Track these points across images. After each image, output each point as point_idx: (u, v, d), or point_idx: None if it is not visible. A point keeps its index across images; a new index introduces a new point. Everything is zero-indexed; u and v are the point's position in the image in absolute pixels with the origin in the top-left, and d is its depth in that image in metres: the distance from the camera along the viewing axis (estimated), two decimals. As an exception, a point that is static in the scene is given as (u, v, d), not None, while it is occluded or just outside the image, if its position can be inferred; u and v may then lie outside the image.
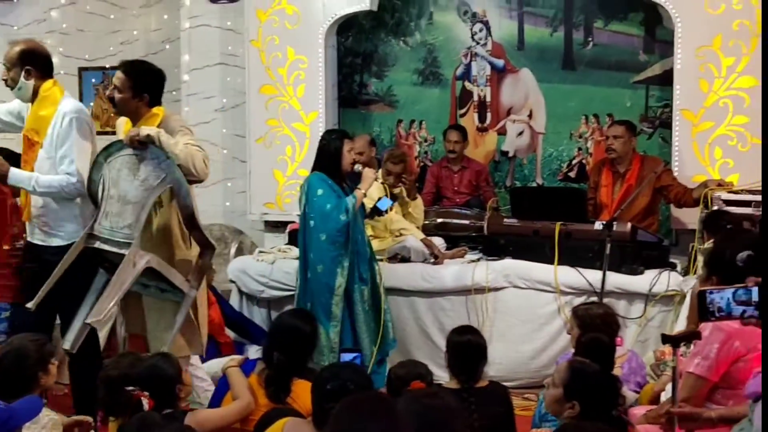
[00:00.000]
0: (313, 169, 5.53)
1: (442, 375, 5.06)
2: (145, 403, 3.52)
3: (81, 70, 8.68)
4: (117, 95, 4.67)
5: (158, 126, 4.55)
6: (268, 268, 6.20)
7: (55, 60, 8.55)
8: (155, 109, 4.70)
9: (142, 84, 4.66)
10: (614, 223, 5.56)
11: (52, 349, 3.87)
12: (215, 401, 4.06)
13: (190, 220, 4.56)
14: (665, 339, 3.51)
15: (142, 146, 4.38)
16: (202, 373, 5.12)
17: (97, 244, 4.44)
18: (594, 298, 5.52)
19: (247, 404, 3.77)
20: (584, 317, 4.45)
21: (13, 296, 5.02)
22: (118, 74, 4.69)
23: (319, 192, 5.33)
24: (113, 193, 4.43)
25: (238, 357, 4.11)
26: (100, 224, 4.44)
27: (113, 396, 3.59)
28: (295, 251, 6.40)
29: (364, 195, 5.35)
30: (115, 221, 4.40)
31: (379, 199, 5.66)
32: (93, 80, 8.68)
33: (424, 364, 4.09)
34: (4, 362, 3.67)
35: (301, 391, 3.75)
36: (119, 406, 3.57)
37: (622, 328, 4.77)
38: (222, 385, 4.08)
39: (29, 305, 4.49)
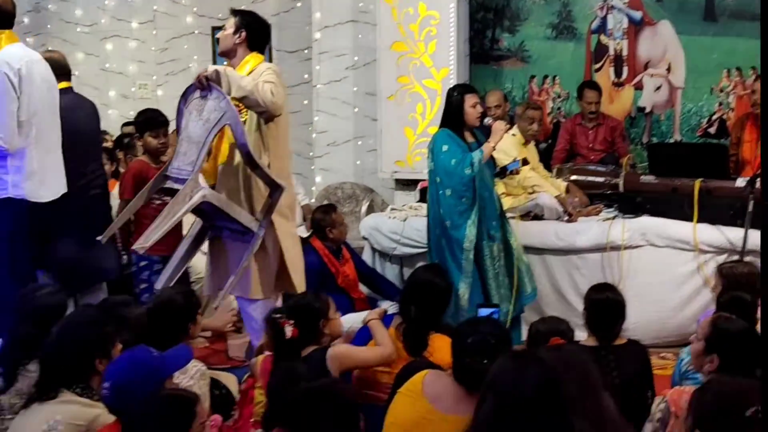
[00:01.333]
0: (440, 125, 5.50)
1: (578, 334, 5.01)
2: (288, 331, 3.67)
3: (214, 29, 8.85)
4: (221, 34, 4.87)
5: (249, 73, 4.67)
6: (400, 226, 6.23)
7: (188, 19, 8.88)
8: (253, 54, 4.82)
9: (245, 23, 4.82)
10: (757, 179, 5.34)
11: (199, 300, 4.01)
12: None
13: (248, 159, 4.55)
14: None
15: (209, 84, 4.46)
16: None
17: (168, 183, 4.59)
18: (735, 257, 5.34)
19: (390, 353, 3.80)
20: (729, 275, 4.35)
21: (165, 249, 5.16)
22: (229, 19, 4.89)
23: (444, 148, 5.29)
24: (184, 135, 4.56)
25: (378, 310, 4.15)
26: (172, 165, 4.59)
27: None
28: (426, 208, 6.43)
29: (493, 149, 5.26)
30: (182, 160, 4.51)
31: (513, 160, 5.61)
32: (227, 40, 8.82)
33: (566, 321, 4.04)
34: (155, 314, 3.81)
35: (438, 345, 3.79)
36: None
37: (766, 288, 4.59)
38: (359, 339, 4.14)
39: (100, 238, 4.70)
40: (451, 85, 6.88)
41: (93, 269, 5.35)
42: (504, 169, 5.56)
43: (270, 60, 8.56)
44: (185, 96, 4.63)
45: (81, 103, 5.61)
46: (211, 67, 4.51)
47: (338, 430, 2.73)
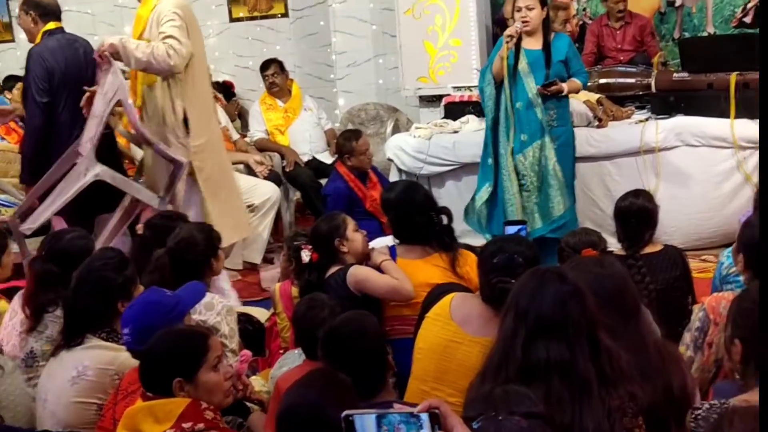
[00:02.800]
0: None
1: (614, 242, 4.85)
2: (305, 255, 3.73)
3: (226, -44, 8.66)
4: None
5: (154, 8, 4.73)
6: (425, 144, 6.07)
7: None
8: None
9: None
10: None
11: (219, 235, 3.96)
12: None
13: (142, 137, 4.71)
14: None
15: (108, 59, 4.56)
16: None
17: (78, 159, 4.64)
18: (777, 152, 5.13)
19: (408, 290, 3.59)
20: None
21: None
22: None
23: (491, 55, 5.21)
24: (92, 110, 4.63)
25: (382, 248, 3.97)
26: (81, 139, 4.66)
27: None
28: (452, 125, 6.26)
29: (501, 58, 4.92)
30: (85, 135, 4.59)
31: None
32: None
33: (596, 231, 3.91)
34: (177, 252, 3.76)
35: (467, 263, 3.66)
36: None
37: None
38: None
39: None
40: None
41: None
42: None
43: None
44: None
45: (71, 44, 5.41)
46: (108, 40, 4.54)
47: (367, 364, 2.69)
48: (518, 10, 4.94)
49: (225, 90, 8.08)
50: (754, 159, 5.35)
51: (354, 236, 3.83)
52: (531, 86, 5.01)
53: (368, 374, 2.67)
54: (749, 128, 5.35)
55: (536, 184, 5.09)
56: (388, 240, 4.88)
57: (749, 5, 6.78)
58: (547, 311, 2.24)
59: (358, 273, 3.66)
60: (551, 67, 5.00)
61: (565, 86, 5.00)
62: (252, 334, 4.20)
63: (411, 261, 3.75)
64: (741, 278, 3.29)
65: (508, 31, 4.93)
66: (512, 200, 5.10)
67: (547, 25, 5.05)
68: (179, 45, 4.66)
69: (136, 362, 2.90)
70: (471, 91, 6.37)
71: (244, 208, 5.53)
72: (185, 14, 4.80)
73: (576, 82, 5.06)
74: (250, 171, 6.38)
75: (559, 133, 5.12)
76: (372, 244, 5.38)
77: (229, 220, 4.99)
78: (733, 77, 5.43)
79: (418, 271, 3.69)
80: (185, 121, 4.87)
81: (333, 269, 3.74)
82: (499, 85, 5.03)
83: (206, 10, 8.75)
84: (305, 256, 3.72)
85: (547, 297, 2.26)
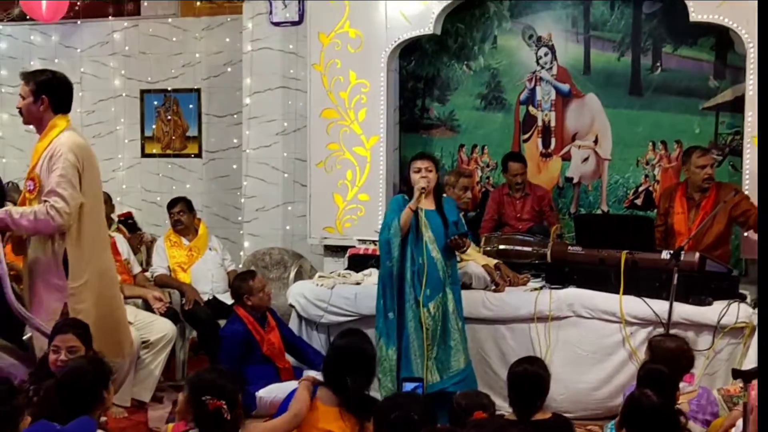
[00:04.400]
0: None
1: (503, 405, 4.95)
2: (225, 412, 3.47)
3: (143, 92, 8.79)
4: (20, 103, 4.78)
5: (53, 139, 4.67)
6: (327, 293, 6.13)
7: (116, 82, 8.80)
8: (58, 119, 4.76)
9: (42, 87, 4.72)
10: (682, 252, 5.41)
11: (110, 367, 3.89)
12: None
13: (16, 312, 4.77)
14: (736, 374, 3.42)
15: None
16: None
17: None
18: (660, 329, 5.37)
19: (293, 415, 3.78)
20: (656, 348, 4.41)
21: None
22: (22, 86, 4.78)
23: (387, 211, 5.37)
24: None
25: (316, 374, 4.07)
26: None
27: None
28: (355, 276, 6.37)
29: (411, 210, 5.19)
30: None
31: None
32: (155, 102, 8.77)
33: (486, 394, 3.99)
34: (66, 383, 3.67)
35: None
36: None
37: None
38: (288, 403, 4.05)
39: None
40: (383, 153, 7.07)
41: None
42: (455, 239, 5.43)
43: (199, 125, 8.54)
44: None
45: None
46: None
47: None
48: (417, 171, 5.26)
49: (125, 222, 8.03)
50: (640, 335, 5.56)
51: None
52: (431, 242, 5.23)
53: None
54: (637, 305, 5.57)
55: (438, 337, 5.21)
56: (284, 387, 4.90)
57: (640, 188, 7.20)
58: None
59: (256, 429, 3.74)
60: (448, 226, 5.26)
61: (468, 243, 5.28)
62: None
63: (328, 407, 3.87)
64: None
65: (422, 184, 5.19)
66: (418, 354, 5.18)
67: (439, 188, 5.42)
68: (62, 203, 4.58)
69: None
70: (375, 245, 6.52)
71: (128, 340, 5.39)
72: (79, 155, 4.70)
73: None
74: (147, 306, 6.31)
75: (454, 291, 5.35)
76: (268, 389, 5.42)
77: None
78: (624, 255, 5.66)
79: (330, 418, 3.80)
80: (65, 261, 4.74)
81: None
82: (402, 240, 5.21)
83: (119, 144, 8.84)
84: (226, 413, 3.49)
85: None
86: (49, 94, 4.73)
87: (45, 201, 4.61)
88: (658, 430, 3.22)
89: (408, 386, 4.14)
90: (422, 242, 5.24)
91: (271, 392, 5.38)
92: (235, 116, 8.30)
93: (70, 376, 3.70)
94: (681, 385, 4.28)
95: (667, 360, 4.28)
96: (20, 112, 4.82)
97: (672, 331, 5.17)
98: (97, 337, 4.62)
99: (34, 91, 4.70)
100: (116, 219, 7.45)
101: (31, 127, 4.94)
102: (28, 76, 4.76)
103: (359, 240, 7.01)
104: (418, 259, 5.22)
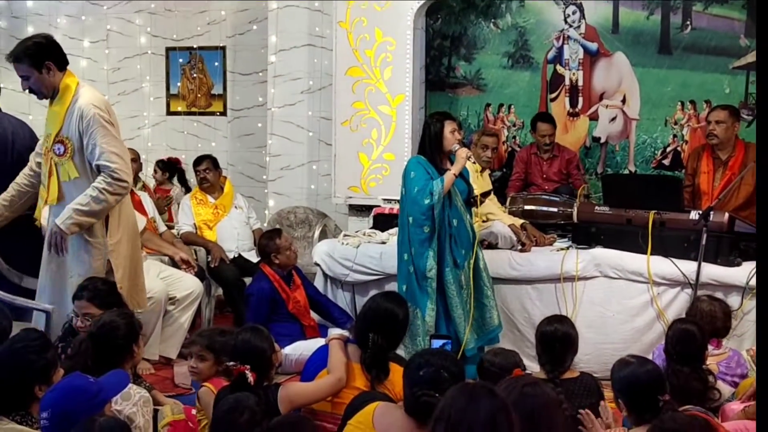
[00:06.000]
0: (418, 152, 5.45)
1: (529, 365, 4.96)
2: (250, 377, 3.57)
3: (168, 50, 8.76)
4: (29, 84, 4.68)
5: (71, 99, 4.64)
6: (352, 252, 6.13)
7: (142, 40, 8.78)
8: (66, 77, 4.70)
9: (40, 56, 4.64)
10: (711, 212, 5.35)
11: (140, 322, 3.97)
12: (307, 376, 4.07)
13: None
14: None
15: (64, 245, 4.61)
16: None
17: None
18: (689, 290, 5.34)
19: (338, 379, 3.80)
20: (691, 308, 4.49)
21: None
22: (16, 67, 4.68)
23: (412, 175, 5.24)
24: None
25: (342, 332, 4.13)
26: None
27: None
28: (380, 236, 6.36)
29: (455, 176, 5.20)
30: None
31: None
32: (180, 60, 8.75)
33: (515, 352, 4.00)
34: (98, 337, 3.76)
35: (394, 375, 3.79)
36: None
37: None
38: (314, 361, 4.11)
39: None
40: (408, 112, 7.00)
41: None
42: (474, 198, 5.42)
43: (224, 83, 8.52)
44: None
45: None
46: (58, 228, 4.56)
47: None
48: (453, 133, 5.24)
49: (170, 167, 8.05)
50: (667, 295, 5.54)
51: (276, 348, 3.89)
52: (461, 203, 5.23)
53: None
54: (664, 265, 5.54)
55: (473, 296, 5.26)
56: (310, 344, 4.92)
57: (668, 149, 7.13)
58: (478, 424, 2.28)
59: (293, 389, 3.73)
60: (469, 185, 5.30)
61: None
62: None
63: (354, 363, 3.89)
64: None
65: (467, 152, 5.19)
66: (461, 314, 5.21)
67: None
68: (117, 161, 4.60)
69: (49, 448, 2.83)
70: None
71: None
72: (105, 108, 4.71)
73: None
74: (174, 263, 6.34)
75: (481, 249, 5.39)
76: (293, 346, 5.45)
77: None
78: (651, 215, 5.62)
79: (357, 374, 3.83)
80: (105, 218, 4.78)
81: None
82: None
83: (144, 101, 8.83)
84: (251, 377, 3.59)
85: (479, 410, 2.30)
86: (49, 57, 4.67)
87: (99, 167, 4.61)
88: (641, 392, 3.27)
89: (437, 343, 4.15)
90: (455, 205, 5.24)
91: (296, 350, 5.42)
92: (260, 74, 8.27)
93: (102, 331, 3.78)
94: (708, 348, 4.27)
95: (705, 321, 4.28)
96: (31, 91, 4.75)
97: (700, 292, 5.14)
98: (128, 291, 4.71)
99: (35, 64, 4.63)
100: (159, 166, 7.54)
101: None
102: (19, 55, 4.64)
103: (384, 199, 6.99)
104: (453, 221, 5.23)
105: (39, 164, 4.90)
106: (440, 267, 5.19)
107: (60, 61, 4.71)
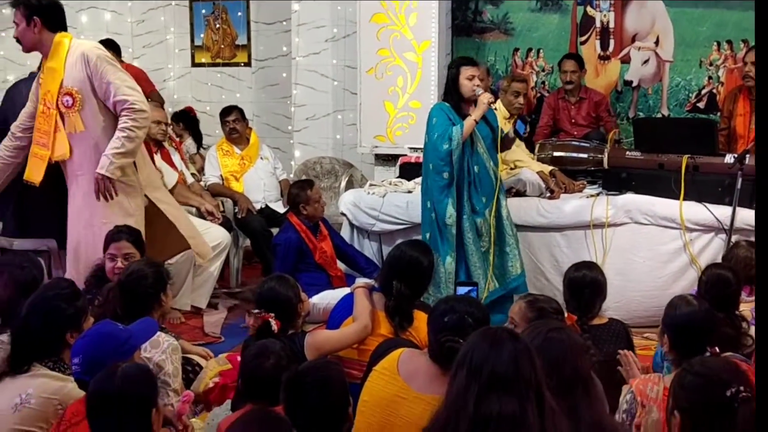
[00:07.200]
0: (442, 99, 5.36)
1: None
2: (275, 325, 3.60)
3: (192, 0, 8.68)
4: (16, 32, 4.71)
5: (67, 54, 4.64)
6: (379, 201, 6.08)
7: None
8: (59, 36, 4.70)
9: (32, 9, 4.66)
10: (747, 156, 5.21)
11: (168, 271, 3.99)
12: (333, 324, 4.06)
13: None
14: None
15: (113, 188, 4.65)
16: None
17: None
18: (722, 236, 5.23)
19: (364, 327, 3.80)
20: (728, 252, 4.43)
21: None
22: (14, 12, 4.72)
23: (434, 121, 5.17)
24: None
25: (367, 281, 4.14)
26: None
27: None
28: (406, 185, 6.30)
29: (476, 122, 5.10)
30: None
31: (516, 121, 5.46)
32: (204, 11, 8.67)
33: (552, 298, 3.92)
34: (127, 286, 3.80)
35: (419, 323, 3.77)
36: None
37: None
38: (340, 309, 4.09)
39: None
40: (434, 59, 6.88)
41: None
42: (506, 136, 5.32)
43: (248, 33, 8.43)
44: None
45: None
46: (101, 175, 4.60)
47: (327, 415, 2.69)
48: (471, 78, 5.13)
49: (185, 117, 8.00)
50: (700, 241, 5.43)
51: (303, 297, 3.88)
52: (484, 150, 5.13)
53: (326, 425, 2.68)
54: (697, 211, 5.44)
55: (494, 244, 5.18)
56: (336, 293, 4.90)
57: (703, 91, 6.96)
58: (501, 367, 2.24)
59: (319, 337, 3.76)
60: (495, 131, 5.22)
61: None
62: (189, 375, 4.14)
63: (379, 311, 3.90)
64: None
65: (489, 97, 5.07)
66: (477, 262, 5.14)
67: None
68: (135, 95, 4.65)
69: (81, 393, 2.92)
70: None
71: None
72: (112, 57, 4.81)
73: None
74: (201, 214, 6.32)
75: (504, 197, 5.34)
76: (321, 296, 5.45)
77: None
78: (684, 159, 5.49)
79: (382, 321, 3.83)
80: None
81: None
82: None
83: (169, 53, 8.76)
84: (275, 325, 3.62)
85: (501, 354, 2.26)
86: (40, 14, 4.67)
87: (119, 103, 4.64)
88: (689, 335, 3.18)
89: (462, 290, 4.11)
90: (477, 151, 5.15)
91: (324, 299, 5.41)
92: (284, 23, 8.16)
93: (129, 279, 3.82)
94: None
95: (740, 266, 4.20)
96: (18, 41, 4.77)
97: (734, 238, 5.03)
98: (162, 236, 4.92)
99: (25, 15, 4.66)
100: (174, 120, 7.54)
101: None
102: (16, 1, 4.70)
103: (410, 148, 6.89)
104: (473, 168, 5.15)
105: (25, 130, 4.89)
106: (459, 214, 5.13)
107: (52, 21, 4.72)
